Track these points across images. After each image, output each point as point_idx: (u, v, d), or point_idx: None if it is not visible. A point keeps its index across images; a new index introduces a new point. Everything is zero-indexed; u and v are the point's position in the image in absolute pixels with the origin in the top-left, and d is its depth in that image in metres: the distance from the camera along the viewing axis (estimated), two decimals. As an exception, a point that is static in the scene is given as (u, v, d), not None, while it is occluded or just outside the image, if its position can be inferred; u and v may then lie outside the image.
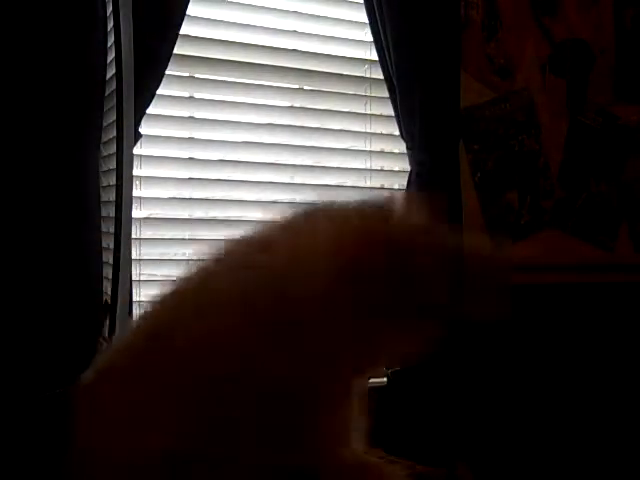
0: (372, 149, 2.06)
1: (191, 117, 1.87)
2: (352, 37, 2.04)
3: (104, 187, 1.51)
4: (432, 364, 1.90)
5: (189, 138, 1.86)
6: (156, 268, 1.81)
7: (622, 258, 2.39)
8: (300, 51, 1.95)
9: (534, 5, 2.26)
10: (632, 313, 2.36)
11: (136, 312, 1.69)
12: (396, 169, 2.10)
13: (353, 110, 2.04)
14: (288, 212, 0.70)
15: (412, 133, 1.93)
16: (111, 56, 1.43)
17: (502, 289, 0.62)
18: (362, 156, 2.05)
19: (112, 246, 1.37)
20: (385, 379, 1.89)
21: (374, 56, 1.97)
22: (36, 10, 1.38)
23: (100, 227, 1.50)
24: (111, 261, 1.37)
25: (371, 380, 0.76)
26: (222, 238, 0.72)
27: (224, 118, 1.88)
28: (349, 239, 0.62)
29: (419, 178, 1.94)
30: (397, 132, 1.97)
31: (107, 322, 1.37)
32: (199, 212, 1.86)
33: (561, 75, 2.31)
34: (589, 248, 2.35)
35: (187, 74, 1.83)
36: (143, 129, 1.64)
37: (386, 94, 1.96)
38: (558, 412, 2.18)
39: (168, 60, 1.65)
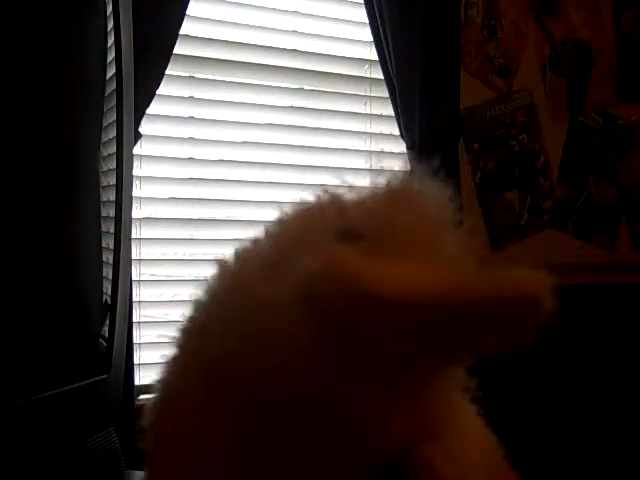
0: (372, 149, 2.06)
1: (191, 117, 1.87)
2: (352, 37, 2.04)
3: (104, 187, 1.51)
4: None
5: (189, 138, 1.86)
6: (156, 268, 1.81)
7: (622, 258, 2.39)
8: (300, 51, 1.95)
9: (534, 5, 2.26)
10: (632, 313, 2.36)
11: (136, 312, 1.69)
12: (396, 169, 2.09)
13: (353, 110, 2.04)
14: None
15: (412, 133, 1.93)
16: (111, 56, 1.42)
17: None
18: (362, 156, 2.05)
19: (112, 246, 1.37)
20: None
21: (374, 56, 1.97)
22: (35, 9, 1.38)
23: (100, 227, 1.49)
24: (111, 261, 1.37)
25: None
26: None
27: (224, 118, 1.88)
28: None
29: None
30: (397, 132, 1.97)
31: (107, 322, 1.37)
32: (199, 212, 1.86)
33: (561, 75, 2.31)
34: (589, 248, 2.35)
35: (187, 74, 1.84)
36: (143, 129, 1.64)
37: (386, 94, 1.96)
38: (558, 412, 2.18)
39: (168, 60, 1.65)
